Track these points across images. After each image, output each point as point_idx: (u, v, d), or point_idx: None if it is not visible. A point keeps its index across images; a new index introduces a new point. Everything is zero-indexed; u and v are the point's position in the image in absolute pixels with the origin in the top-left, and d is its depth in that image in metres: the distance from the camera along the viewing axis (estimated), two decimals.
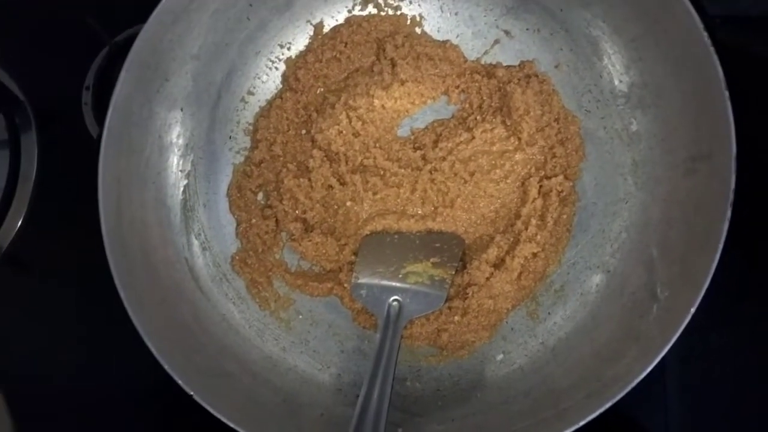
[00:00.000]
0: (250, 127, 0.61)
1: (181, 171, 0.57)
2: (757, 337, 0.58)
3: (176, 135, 0.56)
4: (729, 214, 0.43)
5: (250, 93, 0.61)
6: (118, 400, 0.63)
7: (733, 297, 0.58)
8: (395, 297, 0.52)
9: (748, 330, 0.58)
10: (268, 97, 0.61)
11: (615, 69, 0.55)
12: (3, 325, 0.66)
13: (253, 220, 0.58)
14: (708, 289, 0.43)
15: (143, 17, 0.69)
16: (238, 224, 0.59)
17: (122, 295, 0.46)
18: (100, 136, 0.65)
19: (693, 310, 0.42)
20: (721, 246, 0.43)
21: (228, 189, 0.59)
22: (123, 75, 0.50)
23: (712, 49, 0.46)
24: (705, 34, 0.47)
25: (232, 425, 0.43)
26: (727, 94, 0.45)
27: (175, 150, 0.56)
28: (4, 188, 0.69)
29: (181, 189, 0.57)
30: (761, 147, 0.53)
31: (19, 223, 0.68)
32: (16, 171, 0.70)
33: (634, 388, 0.43)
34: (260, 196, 0.60)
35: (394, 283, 0.53)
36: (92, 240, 0.63)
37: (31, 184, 0.70)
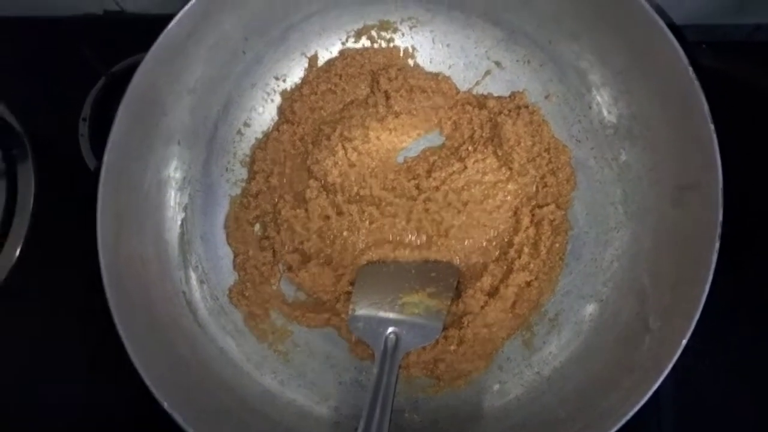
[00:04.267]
0: (247, 159, 0.62)
1: (178, 204, 0.57)
2: (748, 359, 0.58)
3: (174, 168, 0.57)
4: (717, 245, 0.44)
5: (246, 125, 0.62)
6: (117, 420, 0.62)
7: (725, 320, 0.59)
8: (392, 329, 0.53)
9: (741, 352, 0.59)
10: (264, 128, 0.62)
11: (603, 100, 0.57)
12: (2, 353, 0.66)
13: (251, 252, 0.59)
14: (702, 315, 0.44)
15: (139, 49, 0.70)
16: (236, 256, 0.59)
17: (120, 331, 0.46)
18: (97, 168, 0.66)
19: (685, 341, 0.43)
20: (710, 277, 0.44)
21: (225, 221, 0.60)
22: (121, 110, 0.51)
23: (696, 83, 0.47)
24: (690, 68, 0.48)
25: None
26: (712, 126, 0.46)
27: (173, 184, 0.57)
28: (1, 219, 0.69)
29: (179, 222, 0.57)
30: (748, 170, 0.54)
31: (17, 254, 0.68)
32: (13, 202, 0.70)
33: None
34: (257, 227, 0.61)
35: (390, 315, 0.54)
36: (89, 272, 0.64)
37: (28, 215, 0.70)
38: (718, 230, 0.44)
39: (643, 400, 0.43)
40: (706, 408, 0.58)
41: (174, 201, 0.57)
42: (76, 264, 0.67)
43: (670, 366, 0.43)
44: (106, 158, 0.50)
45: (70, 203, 0.70)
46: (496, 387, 0.54)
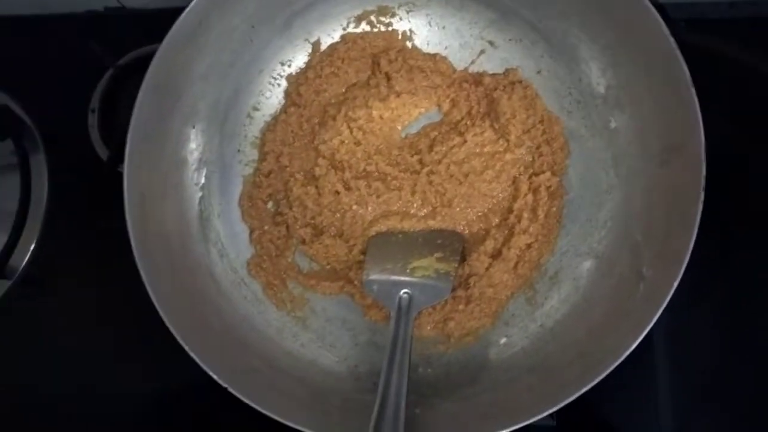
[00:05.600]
0: (257, 141, 0.64)
1: (195, 184, 0.60)
2: (734, 311, 0.62)
3: (189, 150, 0.59)
4: (702, 197, 0.47)
5: (256, 109, 0.64)
6: (148, 412, 0.66)
7: (711, 276, 0.63)
8: (405, 290, 0.56)
9: (726, 304, 0.63)
10: (272, 111, 0.65)
11: (592, 73, 0.59)
12: (23, 344, 0.68)
13: (266, 227, 0.62)
14: (689, 271, 0.47)
15: (143, 41, 0.73)
16: (251, 232, 0.62)
17: (156, 303, 0.48)
18: (112, 156, 0.69)
19: (675, 284, 0.46)
20: (696, 226, 0.47)
21: (240, 199, 0.63)
22: (140, 96, 0.53)
23: (678, 51, 0.50)
24: (671, 38, 0.51)
25: (266, 413, 0.47)
26: (693, 90, 0.49)
27: (190, 164, 0.59)
28: (17, 210, 0.71)
29: (197, 201, 0.60)
30: (728, 136, 0.58)
31: (33, 243, 0.71)
32: (27, 193, 0.72)
33: (625, 363, 0.47)
34: (270, 204, 0.63)
35: (403, 278, 0.57)
36: (103, 256, 0.66)
37: (43, 205, 0.72)
38: (702, 183, 0.48)
39: (637, 340, 0.46)
40: (697, 355, 0.62)
41: (191, 181, 0.60)
42: (93, 251, 0.70)
43: (662, 308, 0.46)
44: (129, 141, 0.52)
45: (83, 191, 0.72)
46: (503, 341, 0.58)
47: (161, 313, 0.48)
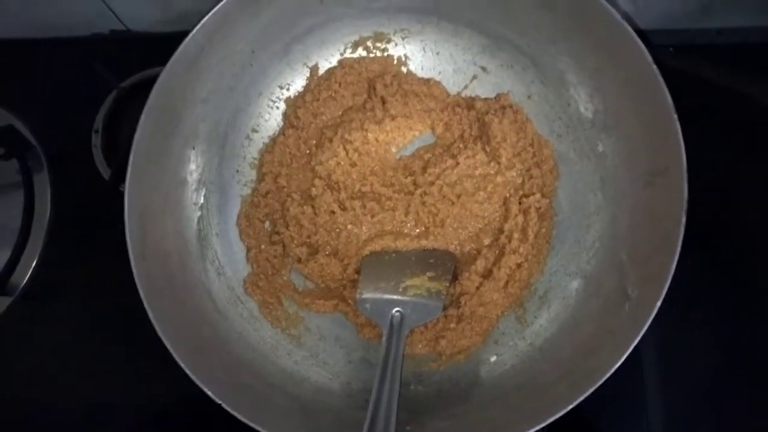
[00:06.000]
0: (256, 162, 0.66)
1: (194, 204, 0.61)
2: (722, 324, 0.64)
3: (189, 171, 0.61)
4: (684, 219, 0.49)
5: (254, 131, 0.66)
6: (145, 426, 0.66)
7: (696, 294, 0.64)
8: (397, 308, 0.57)
9: (714, 318, 0.64)
10: (271, 133, 0.66)
11: (580, 97, 0.61)
12: (23, 360, 0.69)
13: (262, 246, 0.63)
14: (675, 289, 0.48)
15: (147, 63, 0.75)
16: (248, 250, 0.63)
17: (153, 320, 0.50)
18: (111, 176, 0.70)
19: (659, 304, 0.48)
20: (679, 247, 0.48)
21: (237, 219, 0.64)
22: (143, 119, 0.54)
23: (661, 79, 0.51)
24: (654, 66, 0.52)
25: (258, 429, 0.48)
26: (676, 117, 0.50)
27: (190, 185, 0.61)
28: (20, 227, 0.72)
29: (196, 220, 0.61)
30: (712, 159, 0.60)
31: (35, 260, 0.72)
32: (30, 211, 0.74)
33: (615, 378, 0.48)
34: (267, 224, 0.65)
35: (395, 297, 0.58)
36: (104, 273, 0.67)
37: (45, 222, 0.74)
38: (684, 207, 0.49)
39: (623, 357, 0.47)
40: (686, 369, 0.63)
41: (190, 200, 0.61)
42: (94, 268, 0.71)
43: (647, 326, 0.47)
44: (131, 161, 0.53)
45: (85, 210, 0.74)
46: (493, 359, 0.59)
47: (158, 330, 0.49)
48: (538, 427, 0.47)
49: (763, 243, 0.65)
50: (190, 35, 0.56)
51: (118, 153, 0.74)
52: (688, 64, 0.69)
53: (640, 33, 0.53)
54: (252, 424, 0.48)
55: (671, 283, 0.48)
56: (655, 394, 0.61)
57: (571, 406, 0.47)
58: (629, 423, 0.62)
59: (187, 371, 0.49)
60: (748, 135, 0.68)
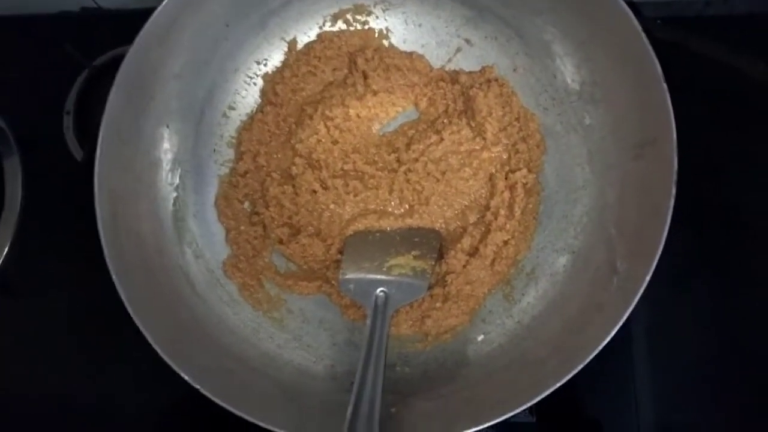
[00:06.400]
0: (233, 140, 0.64)
1: (170, 184, 0.59)
2: (712, 303, 0.63)
3: (164, 150, 0.59)
4: (674, 191, 0.48)
5: (231, 108, 0.64)
6: (118, 415, 0.65)
7: (689, 270, 0.64)
8: (381, 288, 0.56)
9: (705, 297, 0.63)
10: (248, 111, 0.64)
11: (567, 69, 0.60)
12: None
13: (242, 227, 0.61)
14: (664, 263, 0.48)
15: (120, 41, 0.72)
16: (228, 232, 0.61)
17: (126, 302, 0.48)
18: (87, 157, 0.68)
19: (648, 278, 0.47)
20: (668, 220, 0.47)
21: (215, 199, 0.62)
22: (112, 96, 0.52)
23: (650, 48, 0.50)
24: (643, 35, 0.51)
25: (237, 413, 0.46)
26: (665, 86, 0.50)
27: (164, 165, 0.59)
28: None
29: (172, 201, 0.59)
30: (699, 132, 0.59)
31: (7, 248, 0.69)
32: (1, 196, 0.71)
33: (605, 357, 0.47)
34: (246, 204, 0.63)
35: (379, 276, 0.56)
36: (80, 259, 0.65)
37: (17, 208, 0.71)
38: (674, 178, 0.48)
39: (611, 333, 0.46)
40: (675, 347, 0.63)
41: (166, 181, 0.59)
42: (66, 253, 0.70)
43: (635, 301, 0.47)
44: (100, 141, 0.52)
45: (58, 194, 0.72)
46: (481, 338, 0.58)
47: (132, 313, 0.48)
48: (525, 406, 0.46)
49: (751, 217, 0.65)
50: (160, 7, 0.54)
51: (91, 135, 0.71)
52: (676, 36, 0.68)
53: (630, 5, 0.52)
54: (233, 410, 0.46)
55: (660, 258, 0.47)
56: (643, 369, 0.61)
57: (559, 384, 0.46)
58: (617, 398, 0.61)
59: (163, 355, 0.47)
60: (735, 107, 0.67)
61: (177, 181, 0.60)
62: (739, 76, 0.62)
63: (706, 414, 0.62)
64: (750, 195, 0.65)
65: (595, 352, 0.46)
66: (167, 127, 0.59)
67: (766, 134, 0.65)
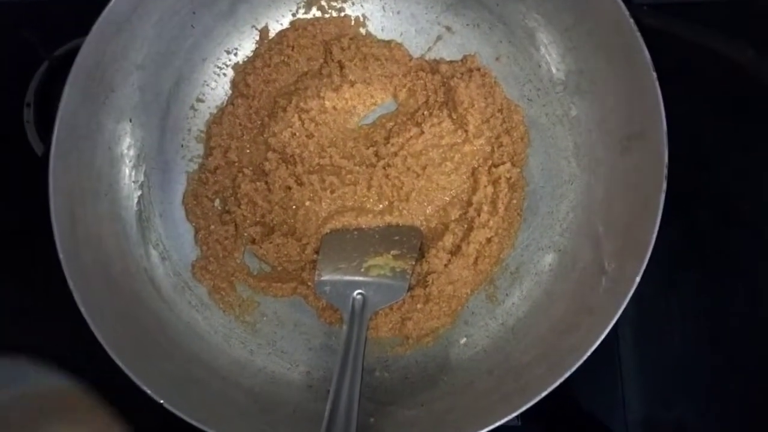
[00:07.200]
0: (202, 135, 0.61)
1: (134, 182, 0.56)
2: (700, 301, 0.62)
3: (126, 146, 0.56)
4: (664, 186, 0.46)
5: (200, 100, 0.61)
6: None
7: (677, 267, 0.62)
8: (359, 291, 0.53)
9: (692, 294, 0.62)
10: (218, 103, 0.62)
11: (552, 58, 0.58)
12: None
13: (212, 227, 0.59)
14: (652, 259, 0.46)
15: (82, 31, 0.68)
16: (197, 231, 0.59)
17: (82, 309, 0.45)
18: (45, 153, 0.64)
19: (638, 278, 0.45)
20: (659, 216, 0.45)
21: (184, 197, 0.59)
22: (67, 88, 0.50)
23: (638, 35, 0.49)
24: (631, 21, 0.49)
25: (204, 428, 0.44)
26: (654, 75, 0.48)
27: (127, 161, 0.56)
28: None
29: (136, 200, 0.56)
30: (686, 121, 0.57)
31: None
32: None
33: (592, 355, 0.45)
34: (217, 202, 0.60)
35: (356, 278, 0.54)
36: (42, 258, 0.62)
37: None
38: (665, 172, 0.46)
39: (601, 337, 0.44)
40: (662, 345, 0.61)
41: (129, 179, 0.56)
42: (25, 251, 0.66)
43: (625, 303, 0.45)
44: (55, 136, 0.49)
45: (18, 189, 0.68)
46: (463, 341, 0.56)
47: (87, 319, 0.45)
48: (511, 416, 0.44)
49: (742, 208, 0.63)
50: None
51: (53, 128, 0.68)
52: (662, 22, 0.66)
53: None
54: (198, 424, 0.44)
55: None
56: (632, 371, 0.60)
57: (545, 392, 0.44)
58: (605, 400, 0.60)
59: (123, 367, 0.44)
60: (723, 94, 0.66)
61: (141, 178, 0.57)
62: (726, 61, 0.61)
63: (694, 411, 0.61)
64: (738, 183, 0.64)
65: (584, 357, 0.44)
66: (130, 121, 0.56)
67: (758, 123, 0.64)
